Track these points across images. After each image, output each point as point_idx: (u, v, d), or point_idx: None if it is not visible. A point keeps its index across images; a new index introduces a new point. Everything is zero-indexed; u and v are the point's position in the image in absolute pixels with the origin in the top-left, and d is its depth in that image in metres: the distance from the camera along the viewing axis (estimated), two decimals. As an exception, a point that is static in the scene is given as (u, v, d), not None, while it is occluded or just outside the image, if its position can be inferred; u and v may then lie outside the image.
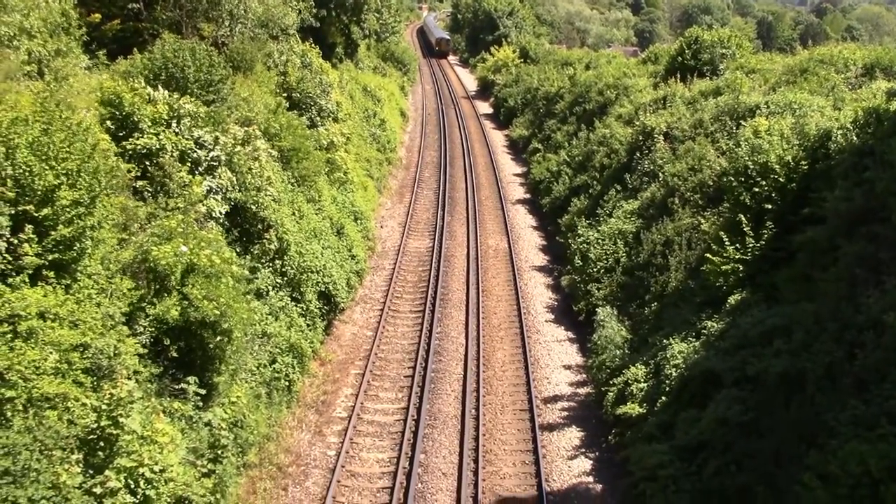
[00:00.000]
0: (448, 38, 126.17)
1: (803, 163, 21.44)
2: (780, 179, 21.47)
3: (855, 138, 20.58)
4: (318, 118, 32.63)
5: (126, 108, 19.22)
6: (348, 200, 33.68)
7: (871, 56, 31.25)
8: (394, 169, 51.00)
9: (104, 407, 12.39)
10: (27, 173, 13.14)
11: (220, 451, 16.20)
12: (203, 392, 16.31)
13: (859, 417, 12.89)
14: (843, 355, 14.62)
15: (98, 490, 11.78)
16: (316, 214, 28.37)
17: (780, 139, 22.31)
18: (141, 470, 12.43)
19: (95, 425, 12.22)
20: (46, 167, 13.44)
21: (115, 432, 12.30)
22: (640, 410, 20.27)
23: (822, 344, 15.42)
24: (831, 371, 14.65)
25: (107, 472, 11.99)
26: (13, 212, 12.95)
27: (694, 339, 20.63)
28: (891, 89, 24.08)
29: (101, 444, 12.22)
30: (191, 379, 16.05)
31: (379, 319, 28.66)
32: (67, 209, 13.51)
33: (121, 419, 12.31)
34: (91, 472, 12.01)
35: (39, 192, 13.22)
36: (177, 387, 15.99)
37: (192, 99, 21.70)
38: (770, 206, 21.38)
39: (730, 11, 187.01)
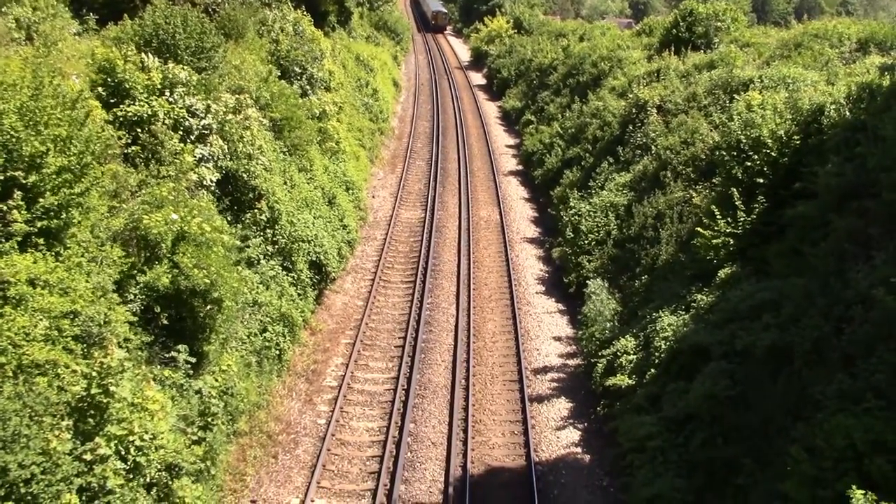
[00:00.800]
0: (445, 10, 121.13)
1: (795, 137, 21.39)
2: (773, 154, 21.43)
3: (848, 113, 20.56)
4: (309, 87, 32.42)
5: (118, 76, 18.99)
6: (340, 170, 33.58)
7: (866, 31, 31.20)
8: (386, 139, 50.86)
9: (94, 374, 12.32)
10: (14, 139, 12.97)
11: (210, 419, 16.18)
12: (193, 360, 16.28)
13: (845, 392, 12.93)
14: (831, 330, 14.61)
15: (88, 457, 11.78)
16: (307, 184, 28.25)
17: (773, 113, 22.24)
18: (131, 437, 12.41)
19: (85, 392, 12.16)
20: (33, 133, 13.28)
21: (105, 400, 12.26)
22: (629, 382, 20.37)
23: (811, 318, 15.39)
24: (819, 345, 14.67)
25: (97, 439, 11.99)
26: (1, 178, 12.82)
27: (683, 312, 20.65)
28: (884, 64, 23.91)
29: (92, 411, 12.18)
30: (181, 347, 16.00)
31: (370, 289, 28.69)
32: (55, 176, 13.39)
33: (111, 387, 12.26)
34: (81, 438, 11.99)
35: (27, 159, 13.08)
36: (167, 355, 15.96)
37: (184, 67, 21.49)
38: (762, 181, 21.36)
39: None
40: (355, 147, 40.00)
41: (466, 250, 32.46)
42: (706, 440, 16.23)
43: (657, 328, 20.65)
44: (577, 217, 30.40)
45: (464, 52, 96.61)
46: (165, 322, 15.89)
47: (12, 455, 10.47)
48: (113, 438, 12.20)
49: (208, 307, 16.55)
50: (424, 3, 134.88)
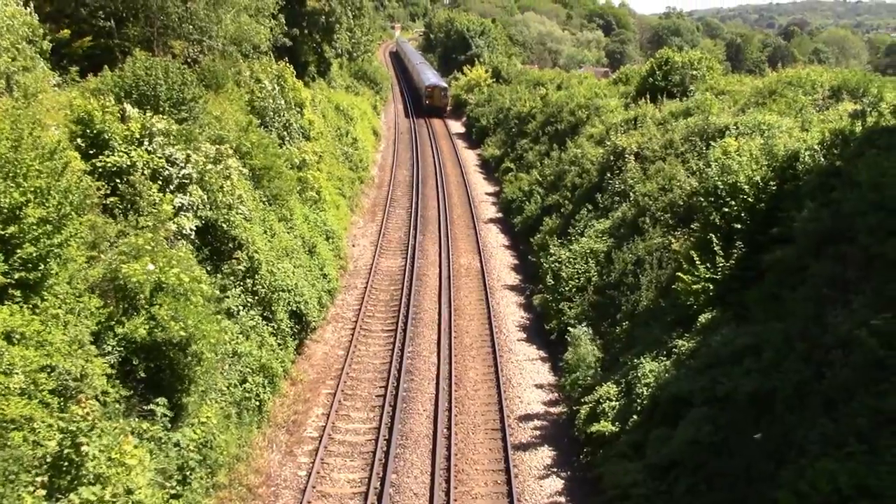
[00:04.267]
0: (445, 85, 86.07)
1: (772, 183, 21.59)
2: (750, 199, 21.61)
3: (822, 159, 20.85)
4: (289, 136, 32.53)
5: (97, 126, 19.02)
6: (320, 219, 33.55)
7: (838, 78, 31.66)
8: (366, 188, 50.96)
9: (71, 429, 12.13)
10: (-7, 191, 12.81)
11: (188, 473, 15.97)
12: (172, 413, 16.09)
13: (828, 436, 12.93)
14: (812, 374, 14.63)
15: (63, 514, 11.52)
16: (287, 233, 28.19)
17: (750, 159, 22.46)
18: (109, 493, 12.16)
19: (60, 448, 11.96)
20: (13, 185, 13.24)
21: (80, 456, 12.04)
22: (613, 429, 20.20)
23: (792, 363, 15.40)
24: (800, 390, 14.68)
25: (71, 497, 11.74)
26: (-22, 230, 12.60)
27: (665, 358, 20.62)
28: (856, 111, 24.25)
29: (67, 466, 11.95)
30: (160, 400, 15.84)
31: (351, 338, 28.49)
32: (34, 227, 13.32)
33: (83, 446, 12.03)
34: (57, 495, 11.73)
35: (6, 210, 13.02)
36: (146, 407, 15.76)
37: (164, 117, 21.56)
38: (740, 226, 21.50)
39: (699, 33, 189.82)
40: (335, 196, 40.07)
41: (447, 298, 32.32)
42: (690, 487, 16.02)
43: (639, 374, 20.54)
44: (557, 264, 30.39)
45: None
46: (143, 374, 15.71)
47: (-15, 514, 10.22)
48: (89, 495, 11.92)
49: (187, 359, 16.37)
50: (413, 70, 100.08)
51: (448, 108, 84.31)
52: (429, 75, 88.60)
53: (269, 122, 31.74)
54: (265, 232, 25.93)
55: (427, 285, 34.19)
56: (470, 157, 64.82)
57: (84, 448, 12.03)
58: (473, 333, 29.64)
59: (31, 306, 13.24)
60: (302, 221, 30.57)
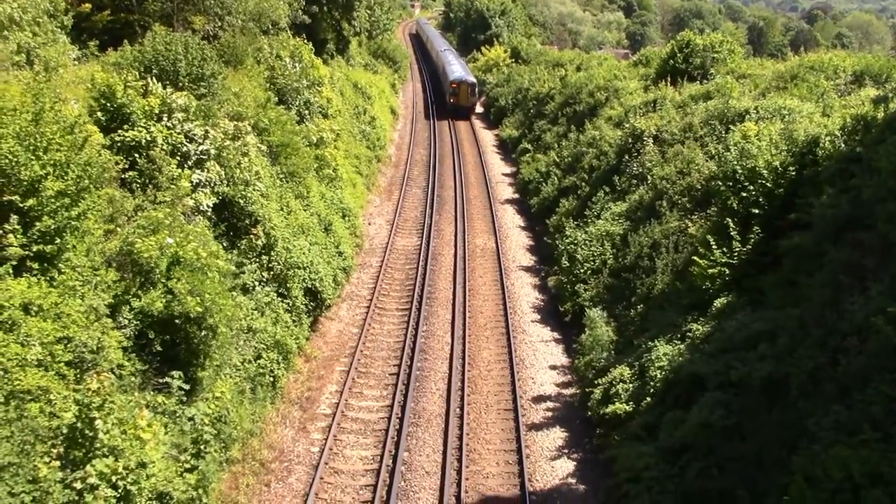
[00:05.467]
0: (474, 80, 71.85)
1: (791, 168, 21.45)
2: (768, 184, 21.48)
3: (843, 145, 20.67)
4: (307, 114, 32.41)
5: (118, 100, 19.02)
6: (337, 197, 33.50)
7: (861, 63, 31.21)
8: (383, 166, 50.76)
9: (86, 401, 12.24)
10: (13, 163, 13.02)
11: (202, 447, 16.00)
12: (187, 387, 16.15)
13: (842, 423, 12.90)
14: (827, 361, 14.59)
15: (78, 485, 11.66)
16: (304, 210, 28.12)
17: (769, 144, 22.30)
18: (122, 465, 12.28)
19: (77, 419, 12.08)
20: (33, 157, 13.32)
21: (95, 429, 12.15)
22: (626, 409, 20.23)
23: (806, 349, 15.37)
24: (815, 376, 14.64)
25: (87, 468, 11.87)
26: (-2, 202, 12.65)
27: (679, 342, 20.55)
28: (878, 96, 23.96)
29: (82, 438, 12.08)
30: (175, 373, 15.89)
31: (365, 317, 28.49)
32: (53, 200, 13.41)
33: (97, 421, 12.14)
34: (72, 466, 11.87)
35: (25, 183, 13.12)
36: (161, 381, 15.86)
37: (184, 93, 21.53)
38: (757, 211, 21.41)
39: (721, 16, 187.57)
40: (352, 174, 39.92)
41: (462, 278, 32.23)
42: (702, 471, 16.05)
43: (653, 357, 20.48)
44: (572, 246, 30.18)
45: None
46: (159, 348, 15.83)
47: (2, 483, 10.34)
48: (104, 466, 12.05)
49: (202, 333, 16.49)
50: (438, 58, 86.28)
51: (475, 107, 71.57)
52: (455, 67, 73.37)
53: (289, 99, 31.65)
54: (281, 209, 25.83)
55: (442, 265, 34.12)
56: (487, 138, 64.61)
57: (98, 422, 12.10)
58: (488, 314, 29.57)
59: (48, 278, 13.36)
60: (318, 199, 30.51)
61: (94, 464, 12.01)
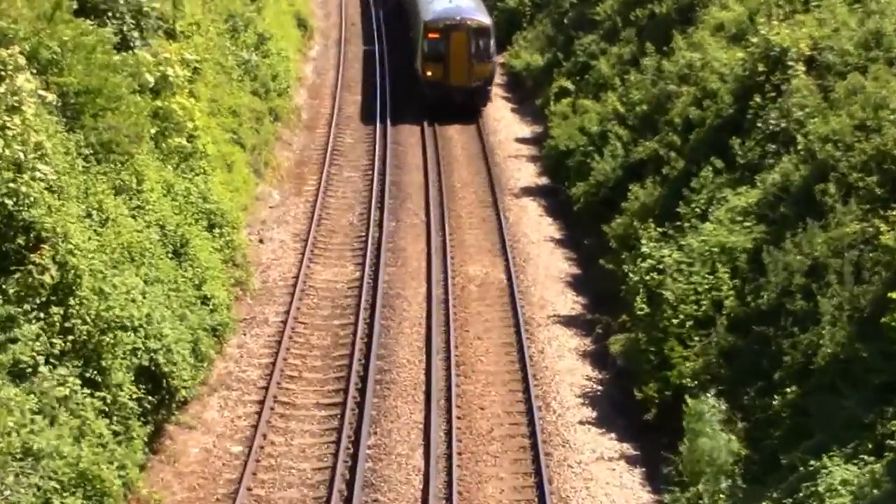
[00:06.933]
0: (488, 22, 39.55)
1: None
2: None
3: None
4: (135, 33, 24.21)
5: None
6: (196, 190, 24.49)
7: None
8: (286, 129, 36.63)
9: None
10: None
11: None
12: None
13: None
14: None
15: None
16: (132, 217, 20.52)
17: None
18: None
19: None
20: None
21: None
22: None
23: None
24: None
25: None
26: None
27: (871, 458, 15.84)
28: None
29: None
30: None
31: (256, 423, 19.92)
32: None
33: None
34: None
35: None
36: None
37: None
38: None
39: None
40: (226, 145, 29.12)
41: (443, 341, 23.00)
42: None
43: (821, 489, 15.67)
44: (655, 274, 22.02)
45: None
46: None
47: None
48: None
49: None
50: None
51: (492, 82, 39.52)
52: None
53: (102, 4, 23.61)
54: (89, 215, 19.41)
55: (404, 317, 24.50)
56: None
57: None
58: (495, 412, 20.76)
59: None
60: (160, 194, 22.22)
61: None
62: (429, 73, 38.07)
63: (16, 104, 17.02)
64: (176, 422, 19.98)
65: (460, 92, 37.67)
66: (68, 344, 16.81)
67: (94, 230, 18.59)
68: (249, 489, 17.86)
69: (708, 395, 18.70)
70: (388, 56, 46.05)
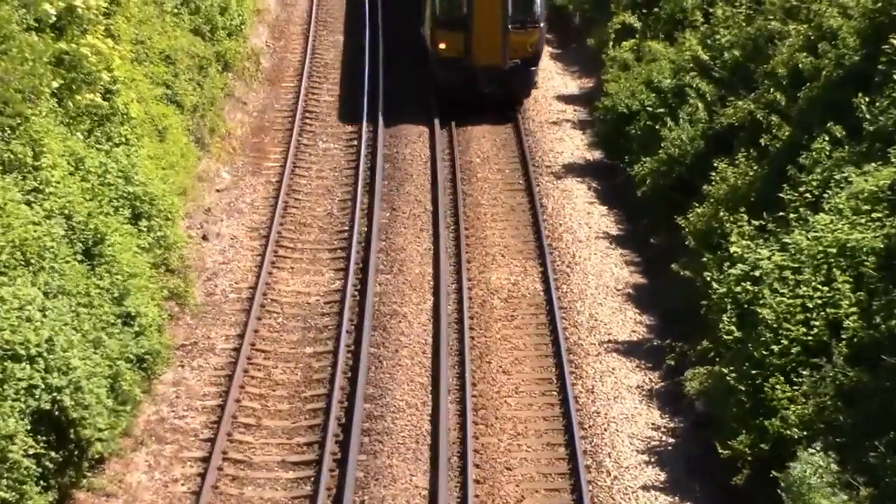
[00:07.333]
0: None
1: None
2: None
3: None
4: None
5: None
6: (116, 166, 20.14)
7: None
8: (240, 82, 30.25)
9: None
10: None
11: None
12: None
13: None
14: None
15: None
16: (26, 205, 17.20)
17: None
18: None
19: None
20: None
21: None
22: None
23: None
24: None
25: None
26: None
27: None
28: None
29: None
30: None
31: (198, 490, 15.91)
32: None
33: None
34: None
35: None
36: None
37: None
38: None
39: None
40: (156, 105, 23.94)
41: (456, 376, 18.74)
42: None
43: None
44: (749, 285, 18.30)
45: None
46: None
47: None
48: None
49: None
50: None
51: (539, 61, 29.70)
52: None
53: None
54: None
55: (402, 345, 19.74)
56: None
57: None
58: (527, 476, 16.59)
59: None
60: (66, 173, 18.54)
61: None
62: (442, 47, 27.71)
63: None
64: (88, 487, 16.24)
65: (490, 76, 27.94)
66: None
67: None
68: None
69: (814, 447, 14.83)
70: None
